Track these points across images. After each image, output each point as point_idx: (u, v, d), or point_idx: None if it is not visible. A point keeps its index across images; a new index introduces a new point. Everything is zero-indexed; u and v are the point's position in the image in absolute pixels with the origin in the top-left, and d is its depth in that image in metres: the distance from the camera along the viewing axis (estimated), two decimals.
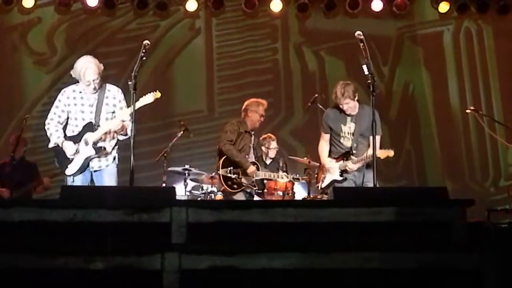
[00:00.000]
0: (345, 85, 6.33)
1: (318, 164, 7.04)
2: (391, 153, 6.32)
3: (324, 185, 6.65)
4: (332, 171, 6.54)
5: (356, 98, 6.34)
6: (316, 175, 7.10)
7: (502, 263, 3.90)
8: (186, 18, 10.50)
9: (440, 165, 10.46)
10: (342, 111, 6.42)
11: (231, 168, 7.35)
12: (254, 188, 7.52)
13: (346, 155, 6.47)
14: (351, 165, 6.37)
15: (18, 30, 10.18)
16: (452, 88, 10.63)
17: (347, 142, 6.48)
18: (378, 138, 6.09)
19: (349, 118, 6.44)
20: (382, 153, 6.23)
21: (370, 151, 6.14)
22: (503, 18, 10.49)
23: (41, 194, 8.28)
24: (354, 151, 6.41)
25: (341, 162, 6.48)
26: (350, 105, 6.34)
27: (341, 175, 6.49)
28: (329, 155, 6.61)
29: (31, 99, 10.02)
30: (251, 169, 7.37)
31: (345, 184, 6.47)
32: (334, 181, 6.52)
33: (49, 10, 10.24)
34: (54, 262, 3.71)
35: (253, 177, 7.41)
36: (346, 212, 3.97)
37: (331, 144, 6.60)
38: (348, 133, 6.46)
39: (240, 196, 7.41)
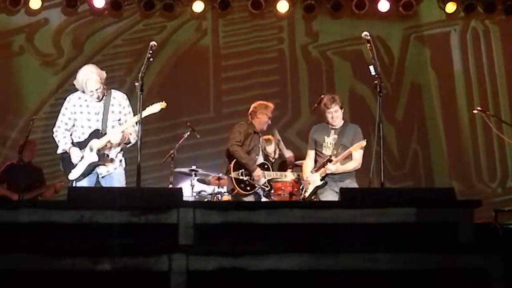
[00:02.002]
0: (333, 95, 6.86)
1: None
2: (363, 144, 6.61)
3: (307, 194, 6.79)
4: (313, 181, 6.70)
5: (343, 111, 6.72)
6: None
7: (509, 263, 3.89)
8: (192, 19, 10.48)
9: (447, 165, 10.42)
10: (328, 123, 6.73)
11: (243, 170, 7.35)
12: (267, 189, 7.50)
13: (325, 163, 6.63)
14: (330, 166, 6.55)
15: (25, 31, 10.18)
16: (459, 89, 10.58)
17: (327, 151, 6.68)
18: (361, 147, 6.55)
19: (333, 131, 6.73)
20: (355, 147, 6.53)
21: (351, 164, 6.60)
22: (510, 18, 10.43)
23: (48, 198, 8.28)
24: (333, 158, 6.59)
25: (321, 170, 6.66)
26: (338, 114, 6.66)
27: (321, 180, 6.66)
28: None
29: (38, 101, 10.03)
30: (257, 172, 7.35)
31: (325, 194, 6.64)
32: (316, 188, 6.70)
33: (56, 12, 10.23)
34: (61, 263, 3.71)
35: (259, 180, 7.38)
36: (353, 213, 3.98)
37: (315, 160, 6.81)
38: (330, 143, 6.70)
39: (252, 198, 7.41)
